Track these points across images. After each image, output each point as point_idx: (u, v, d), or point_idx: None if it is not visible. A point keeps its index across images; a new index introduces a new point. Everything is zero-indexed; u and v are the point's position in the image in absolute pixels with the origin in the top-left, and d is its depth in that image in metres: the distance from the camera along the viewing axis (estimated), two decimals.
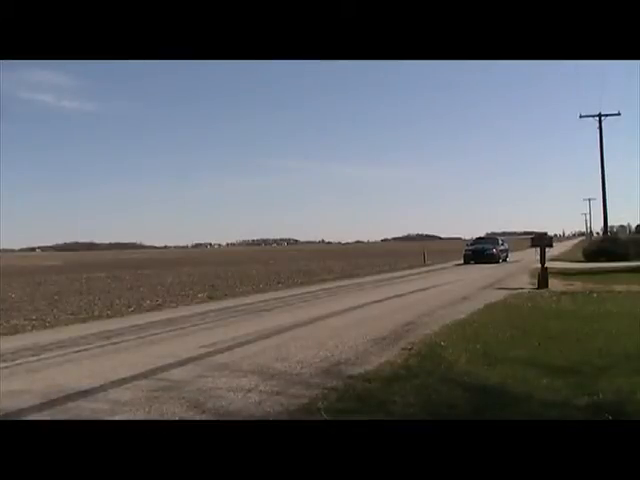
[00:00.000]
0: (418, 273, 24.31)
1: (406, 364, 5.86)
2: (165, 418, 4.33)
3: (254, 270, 29.75)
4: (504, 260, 32.60)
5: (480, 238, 35.33)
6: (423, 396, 4.57)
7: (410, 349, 6.66)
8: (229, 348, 7.33)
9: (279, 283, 19.90)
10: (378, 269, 28.14)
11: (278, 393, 4.95)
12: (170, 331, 9.21)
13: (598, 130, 34.80)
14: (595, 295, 11.92)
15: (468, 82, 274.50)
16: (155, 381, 5.62)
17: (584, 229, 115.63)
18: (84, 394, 5.14)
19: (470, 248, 32.31)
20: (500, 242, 33.77)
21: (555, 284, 14.82)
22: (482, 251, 31.10)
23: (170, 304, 13.65)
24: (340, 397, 4.66)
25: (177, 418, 4.32)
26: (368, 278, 21.84)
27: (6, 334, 9.30)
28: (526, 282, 16.19)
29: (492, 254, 30.80)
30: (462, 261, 31.26)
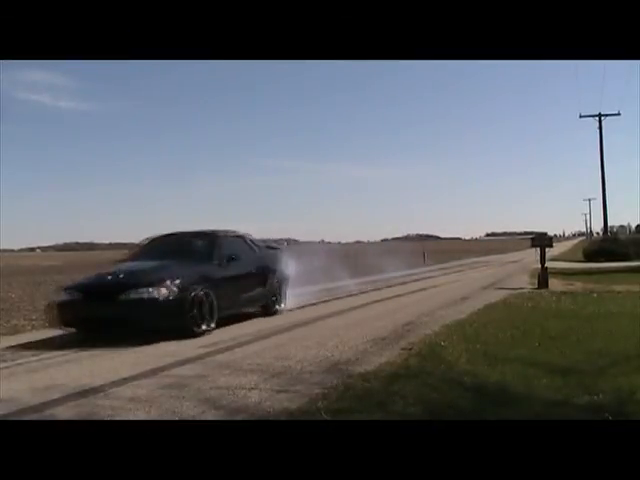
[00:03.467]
0: (417, 274, 24.28)
1: (406, 364, 5.85)
2: (165, 418, 4.32)
3: None
4: (273, 310, 10.57)
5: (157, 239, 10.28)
6: (423, 396, 4.57)
7: (410, 349, 6.66)
8: (229, 348, 7.33)
9: None
10: (378, 269, 28.07)
11: (279, 392, 4.96)
12: None
13: (598, 130, 34.89)
14: (595, 295, 11.92)
15: (468, 82, 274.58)
16: (157, 379, 5.62)
17: (584, 229, 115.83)
18: (85, 394, 5.14)
19: (80, 283, 8.58)
20: (215, 243, 9.71)
21: (555, 284, 14.81)
22: (116, 291, 7.92)
23: None
24: (340, 397, 4.66)
25: (177, 418, 4.31)
26: (368, 278, 21.80)
27: (6, 334, 9.30)
28: (526, 282, 16.17)
29: (149, 300, 7.81)
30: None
